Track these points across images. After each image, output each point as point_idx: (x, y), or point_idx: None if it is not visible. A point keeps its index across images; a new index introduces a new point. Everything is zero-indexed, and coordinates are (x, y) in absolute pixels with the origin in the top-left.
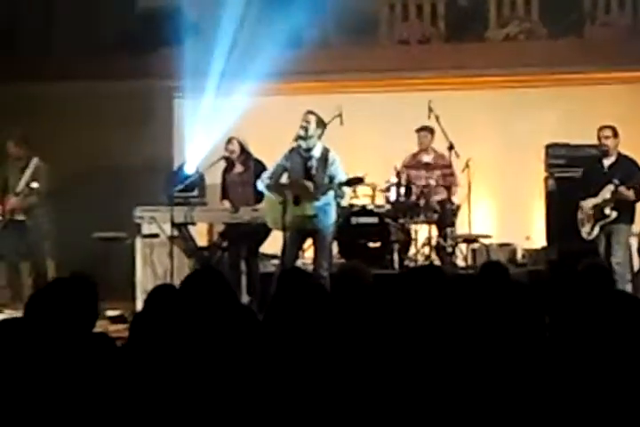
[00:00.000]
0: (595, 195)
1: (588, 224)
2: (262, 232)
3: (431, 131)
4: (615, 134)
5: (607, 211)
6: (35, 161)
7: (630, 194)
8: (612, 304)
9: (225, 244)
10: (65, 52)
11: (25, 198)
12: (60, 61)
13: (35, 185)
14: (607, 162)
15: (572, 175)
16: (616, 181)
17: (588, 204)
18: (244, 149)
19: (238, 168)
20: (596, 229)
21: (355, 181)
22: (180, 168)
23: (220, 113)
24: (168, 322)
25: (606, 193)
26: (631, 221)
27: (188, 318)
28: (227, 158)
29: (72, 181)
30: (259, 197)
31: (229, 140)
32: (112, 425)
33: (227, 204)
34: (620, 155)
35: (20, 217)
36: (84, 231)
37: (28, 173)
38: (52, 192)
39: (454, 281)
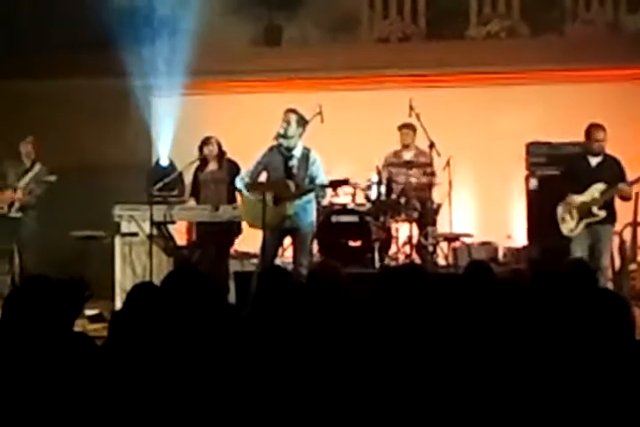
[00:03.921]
0: (580, 192)
1: (571, 221)
2: (233, 231)
3: (413, 128)
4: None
5: (595, 210)
6: (39, 166)
7: (629, 190)
8: (596, 302)
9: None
10: (40, 49)
11: (24, 197)
12: (35, 59)
13: (51, 178)
14: (594, 160)
15: (554, 173)
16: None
17: (576, 200)
18: (220, 149)
19: (212, 166)
20: (580, 227)
21: (338, 184)
22: (157, 164)
23: (196, 111)
24: (149, 320)
25: (594, 192)
26: (615, 221)
27: (170, 316)
28: (203, 159)
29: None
30: (232, 195)
31: (207, 140)
32: (91, 424)
33: (192, 202)
34: (606, 154)
35: (16, 214)
36: (63, 230)
37: (31, 175)
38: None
39: (437, 280)
